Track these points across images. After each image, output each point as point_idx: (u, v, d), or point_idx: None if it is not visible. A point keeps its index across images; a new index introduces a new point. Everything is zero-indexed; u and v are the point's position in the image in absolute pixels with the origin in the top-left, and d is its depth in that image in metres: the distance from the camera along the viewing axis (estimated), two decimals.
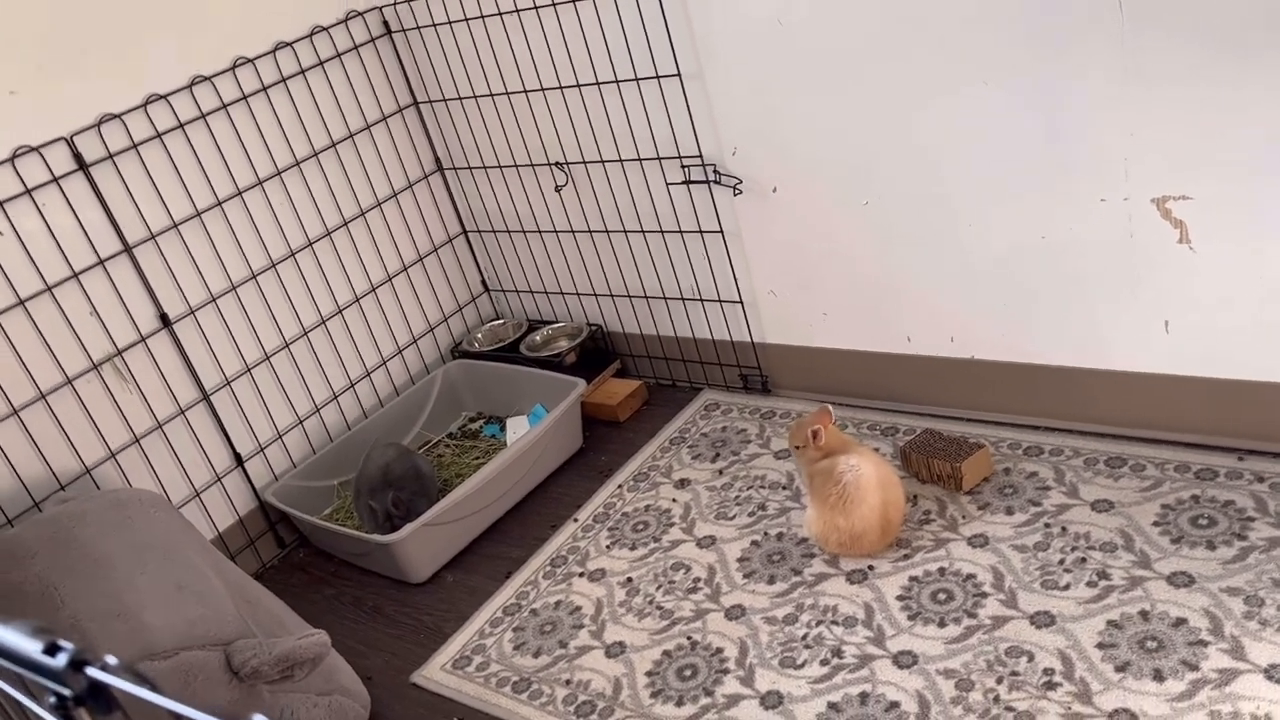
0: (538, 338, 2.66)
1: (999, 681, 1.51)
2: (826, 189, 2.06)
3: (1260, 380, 1.75)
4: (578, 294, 2.62)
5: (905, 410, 2.18)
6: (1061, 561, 1.68)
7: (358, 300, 2.51)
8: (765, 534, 1.96)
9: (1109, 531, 1.71)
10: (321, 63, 2.37)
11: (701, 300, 2.38)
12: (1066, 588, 1.63)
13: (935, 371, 2.12)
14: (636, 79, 2.15)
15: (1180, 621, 1.51)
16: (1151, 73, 1.61)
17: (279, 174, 2.32)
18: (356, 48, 2.44)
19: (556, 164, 2.41)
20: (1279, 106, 1.53)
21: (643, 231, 2.37)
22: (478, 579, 2.10)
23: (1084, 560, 1.67)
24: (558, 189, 2.45)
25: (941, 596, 1.69)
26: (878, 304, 2.14)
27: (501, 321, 2.77)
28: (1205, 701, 1.39)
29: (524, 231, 2.61)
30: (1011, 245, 1.89)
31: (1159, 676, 1.44)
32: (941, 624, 1.64)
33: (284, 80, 2.30)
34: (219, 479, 2.25)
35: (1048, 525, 1.76)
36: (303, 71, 2.33)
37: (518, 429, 2.46)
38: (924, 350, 2.12)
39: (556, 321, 2.68)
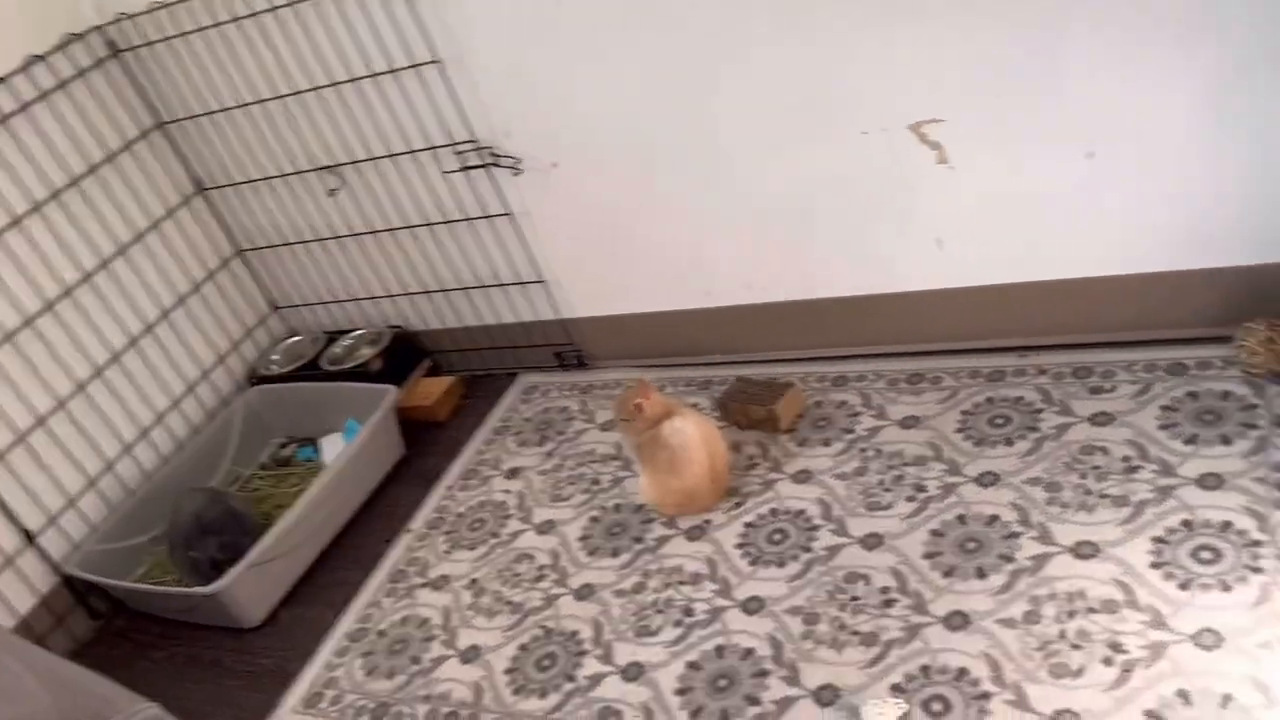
0: (338, 349, 2.56)
1: (842, 609, 1.57)
2: (608, 159, 2.06)
3: (1029, 280, 1.87)
4: (373, 298, 2.53)
5: (716, 361, 2.22)
6: (881, 482, 1.76)
7: (134, 342, 2.33)
8: (603, 508, 1.96)
9: (919, 445, 1.80)
10: (44, 94, 2.17)
11: (502, 285, 2.35)
12: (889, 507, 1.71)
13: (737, 319, 2.16)
14: (393, 70, 2.07)
15: (993, 519, 1.61)
16: (892, 8, 1.67)
17: (18, 221, 2.12)
18: (82, 73, 2.24)
19: (326, 168, 2.31)
20: (1009, 28, 1.62)
21: (429, 225, 2.31)
22: (317, 610, 2.02)
23: (901, 478, 1.75)
24: (331, 194, 2.34)
25: (777, 537, 1.74)
26: (675, 264, 2.16)
27: (298, 338, 2.65)
28: (1024, 589, 1.49)
29: (305, 242, 2.49)
30: (789, 189, 1.95)
31: (982, 574, 1.53)
32: (781, 564, 1.69)
33: (2, 120, 2.10)
34: (10, 561, 2.06)
35: (863, 450, 1.84)
36: (24, 107, 2.13)
37: (333, 448, 2.36)
38: (724, 301, 2.16)
39: (356, 330, 2.59)
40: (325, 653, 1.91)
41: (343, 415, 2.38)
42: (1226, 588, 1.38)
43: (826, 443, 1.89)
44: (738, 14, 1.77)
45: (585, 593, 1.80)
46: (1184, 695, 1.28)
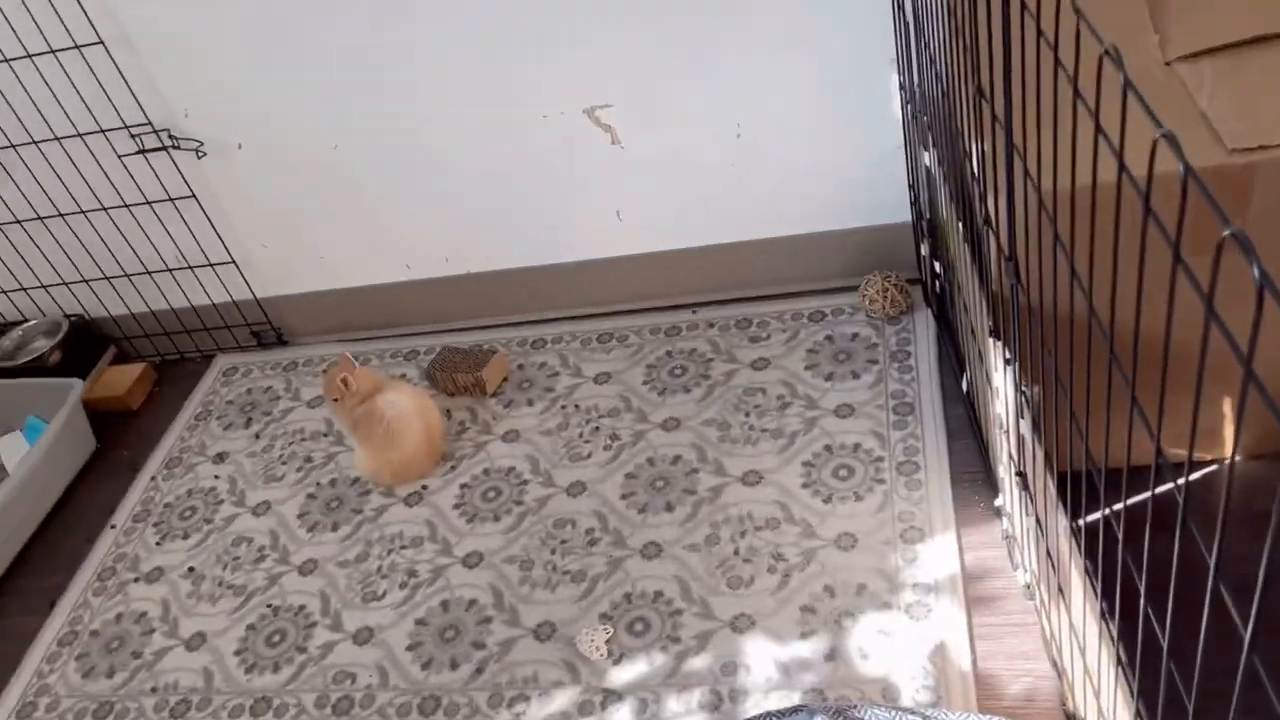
0: (8, 342, 2.40)
1: (553, 552, 1.76)
2: (293, 138, 2.08)
3: (695, 245, 2.12)
4: (44, 286, 2.39)
5: (420, 332, 2.32)
6: (581, 435, 1.96)
7: None
8: (319, 484, 2.02)
9: (612, 399, 2.01)
10: None
11: (191, 267, 2.30)
12: (589, 456, 1.91)
13: (438, 291, 2.27)
14: (53, 51, 1.96)
15: (677, 458, 1.85)
16: (557, 6, 1.82)
17: None
18: None
19: None
20: (661, 21, 1.82)
21: (105, 209, 2.21)
22: (17, 619, 1.94)
23: (598, 429, 1.95)
24: None
25: (491, 495, 1.89)
26: (371, 239, 2.22)
27: None
28: (704, 516, 1.74)
29: None
30: (479, 167, 2.07)
31: (669, 508, 1.77)
32: (496, 519, 1.84)
33: None
34: None
35: (564, 407, 2.03)
36: None
37: (14, 449, 2.23)
38: (424, 274, 2.26)
39: (27, 321, 2.43)
40: (33, 661, 1.85)
41: (21, 413, 2.25)
42: (859, 498, 1.69)
43: (530, 403, 2.06)
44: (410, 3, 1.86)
45: (309, 568, 1.86)
46: (829, 589, 1.57)
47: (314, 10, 1.89)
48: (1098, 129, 0.76)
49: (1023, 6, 0.91)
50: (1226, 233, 0.56)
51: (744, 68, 1.86)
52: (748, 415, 1.89)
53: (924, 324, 1.96)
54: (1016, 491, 1.36)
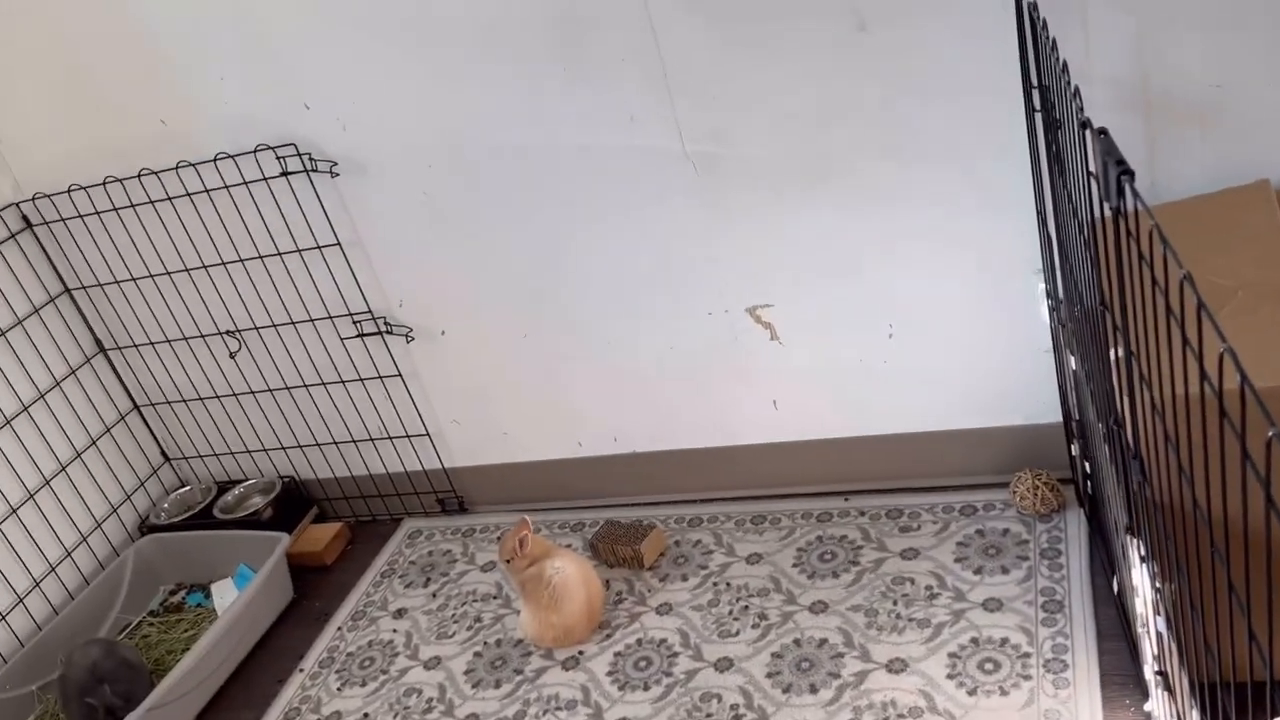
0: (230, 498, 2.71)
1: None
2: (489, 326, 2.35)
3: (849, 435, 2.22)
4: (265, 450, 2.71)
5: (586, 506, 2.49)
6: (730, 612, 2.04)
7: (32, 497, 2.44)
8: (485, 643, 2.17)
9: (762, 579, 2.09)
10: None
11: (390, 438, 2.57)
12: (737, 633, 1.98)
13: (605, 468, 2.45)
14: (299, 250, 2.33)
15: (823, 641, 1.91)
16: (724, 210, 2.05)
17: None
18: None
19: (228, 332, 2.52)
20: (818, 230, 2.01)
21: (324, 384, 2.53)
22: None
23: (747, 607, 2.04)
24: (232, 356, 2.54)
25: (642, 664, 1.99)
26: (549, 418, 2.44)
27: (188, 488, 2.79)
28: (848, 700, 1.77)
29: (201, 399, 2.67)
30: (648, 355, 2.27)
31: (814, 689, 1.81)
32: (646, 687, 1.93)
33: None
34: None
35: (715, 584, 2.12)
36: None
37: (225, 593, 2.49)
38: (593, 452, 2.45)
39: (247, 480, 2.75)
40: None
41: (234, 561, 2.52)
42: (1004, 693, 1.69)
43: (685, 578, 2.17)
44: (592, 202, 2.11)
45: None
46: None
47: (512, 220, 2.18)
48: (1184, 343, 0.86)
49: (1129, 233, 1.03)
50: (1271, 433, 0.65)
51: (897, 268, 2.01)
52: (895, 603, 1.94)
53: (1076, 523, 1.98)
54: (1159, 692, 1.36)
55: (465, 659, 2.14)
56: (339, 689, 2.18)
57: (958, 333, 2.04)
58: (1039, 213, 1.77)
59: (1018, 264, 1.93)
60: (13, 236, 2.46)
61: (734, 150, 1.97)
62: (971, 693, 1.71)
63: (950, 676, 1.75)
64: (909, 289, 2.02)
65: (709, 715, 1.83)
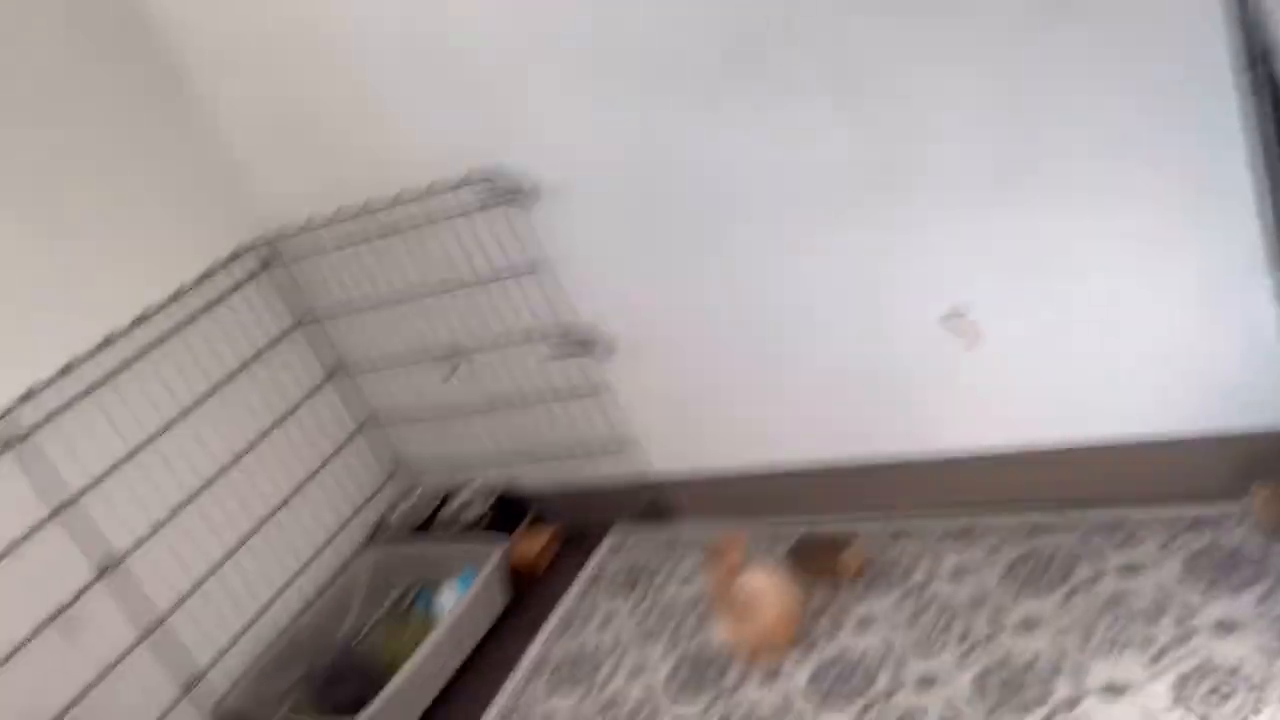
0: (454, 506, 2.88)
1: None
2: (686, 339, 2.38)
3: (1064, 441, 2.10)
4: (483, 460, 2.86)
5: (787, 518, 2.47)
6: (933, 628, 1.98)
7: (274, 513, 2.68)
8: (685, 653, 2.20)
9: (966, 595, 2.01)
10: (209, 306, 2.59)
11: (596, 448, 2.66)
12: (941, 650, 1.92)
13: (805, 478, 2.43)
14: (500, 279, 2.45)
15: (1032, 662, 1.81)
16: (920, 217, 1.99)
17: (186, 412, 2.51)
18: (239, 286, 2.67)
19: (446, 354, 2.68)
20: (1023, 232, 1.92)
21: (534, 398, 2.64)
22: None
23: (950, 624, 1.97)
24: (445, 380, 2.71)
25: (840, 681, 1.96)
26: (749, 428, 2.44)
27: (414, 501, 2.98)
28: None
29: (428, 414, 2.84)
30: (852, 362, 2.23)
31: (1022, 710, 1.73)
32: (845, 705, 1.90)
33: (178, 330, 2.52)
34: (165, 713, 2.36)
35: (918, 599, 2.06)
36: (192, 319, 2.55)
37: (449, 597, 2.65)
38: (793, 461, 2.43)
39: (468, 487, 2.91)
40: None
41: (457, 565, 2.67)
42: None
43: (886, 592, 2.11)
44: (792, 213, 2.10)
45: None
46: None
47: (701, 236, 2.20)
48: None
49: None
50: None
51: (1110, 268, 1.88)
52: (1113, 623, 1.81)
53: None
54: None
55: (667, 666, 2.18)
56: (549, 694, 2.27)
57: (1181, 333, 1.89)
58: (1271, 203, 1.61)
59: (1243, 260, 1.77)
60: (254, 276, 2.71)
61: (927, 153, 1.91)
62: None
63: (1175, 704, 1.63)
64: (1125, 288, 1.89)
65: None
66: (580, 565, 2.65)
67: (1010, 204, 1.90)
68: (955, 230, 1.97)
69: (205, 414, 2.56)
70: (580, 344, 2.47)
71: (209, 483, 2.54)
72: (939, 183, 1.93)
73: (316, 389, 2.84)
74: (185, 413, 2.51)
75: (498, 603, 2.59)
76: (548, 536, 2.74)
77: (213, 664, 2.48)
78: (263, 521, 2.65)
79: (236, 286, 2.66)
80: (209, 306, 2.59)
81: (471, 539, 2.68)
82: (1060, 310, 1.97)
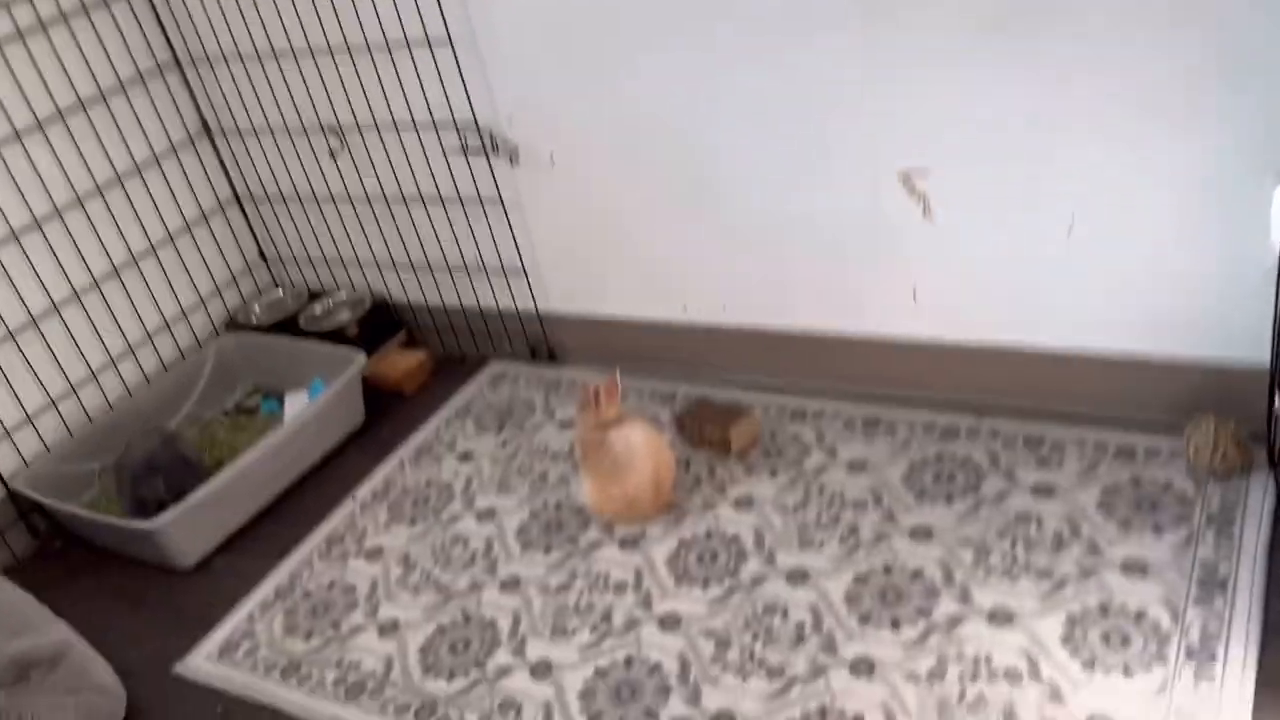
0: (318, 309, 2.58)
1: (754, 638, 1.58)
2: (603, 160, 2.07)
3: (998, 343, 1.88)
4: (359, 264, 2.55)
5: (682, 376, 2.23)
6: (818, 520, 1.77)
7: (116, 271, 2.35)
8: (545, 504, 1.97)
9: (861, 490, 1.81)
10: (66, 17, 2.19)
11: (486, 270, 2.36)
12: (821, 545, 1.72)
13: (708, 339, 2.18)
14: (408, 43, 2.09)
15: (918, 572, 1.62)
16: (889, 59, 1.69)
17: (20, 136, 2.14)
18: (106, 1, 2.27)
19: (331, 130, 2.33)
20: (1003, 89, 1.64)
21: (423, 200, 2.32)
22: (248, 561, 2.03)
23: (838, 518, 1.76)
24: (331, 156, 2.36)
25: (707, 559, 1.75)
26: (656, 273, 2.17)
27: (280, 293, 2.67)
28: (934, 645, 1.49)
29: (300, 200, 2.51)
30: (775, 218, 1.96)
31: (895, 625, 1.54)
32: (705, 585, 1.70)
33: (20, 35, 2.12)
34: None
35: (807, 486, 1.85)
36: (45, 27, 2.15)
37: (296, 404, 2.38)
38: (699, 318, 2.17)
39: (338, 292, 2.60)
40: (249, 605, 1.92)
41: (311, 373, 2.39)
42: (1129, 673, 1.38)
43: (773, 473, 1.90)
44: (733, 38, 1.79)
45: (511, 584, 1.81)
46: None
47: (645, 43, 1.87)
48: None
49: None
50: None
51: (1093, 150, 1.62)
52: (1014, 545, 1.62)
53: (1261, 490, 1.60)
54: None
55: (520, 516, 1.96)
56: (386, 524, 2.03)
57: (1157, 237, 1.65)
58: None
59: (1254, 161, 1.52)
60: None
61: None
62: (1088, 666, 1.41)
63: (1065, 642, 1.45)
64: (1106, 173, 1.63)
65: (768, 630, 1.59)
66: (449, 394, 2.38)
67: (996, 55, 1.61)
68: (929, 77, 1.68)
69: (49, 141, 2.19)
70: (487, 143, 2.15)
71: (45, 218, 2.19)
72: (920, 16, 1.63)
73: (182, 144, 2.47)
74: (19, 135, 2.14)
75: (351, 419, 2.32)
76: (419, 359, 2.46)
77: (17, 428, 2.18)
78: (102, 278, 2.31)
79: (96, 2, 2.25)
80: (65, 19, 2.19)
81: (333, 347, 2.38)
82: (1024, 195, 1.71)
